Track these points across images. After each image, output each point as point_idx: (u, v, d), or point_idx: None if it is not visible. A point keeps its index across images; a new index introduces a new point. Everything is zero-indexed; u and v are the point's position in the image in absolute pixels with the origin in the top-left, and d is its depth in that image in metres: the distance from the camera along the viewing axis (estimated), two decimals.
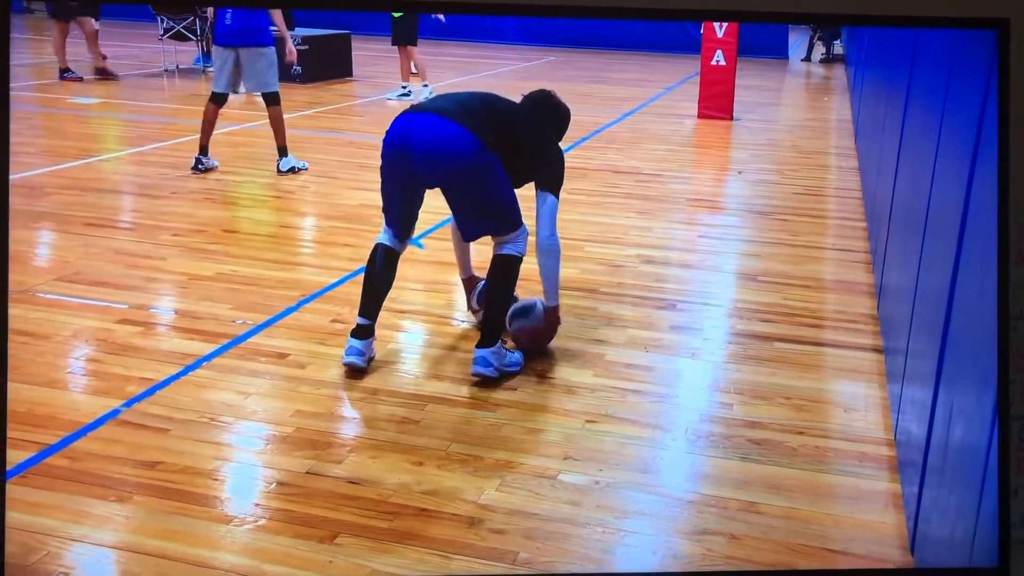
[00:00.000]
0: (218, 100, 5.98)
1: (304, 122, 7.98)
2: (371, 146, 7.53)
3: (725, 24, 8.72)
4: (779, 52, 15.65)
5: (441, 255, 4.56)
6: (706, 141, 8.26)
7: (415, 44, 9.36)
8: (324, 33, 10.95)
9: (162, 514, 2.32)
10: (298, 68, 9.90)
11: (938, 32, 2.67)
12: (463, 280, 3.69)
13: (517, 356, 3.23)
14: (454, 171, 3.05)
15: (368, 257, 3.30)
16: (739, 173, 6.93)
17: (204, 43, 10.76)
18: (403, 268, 4.33)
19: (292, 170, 6.12)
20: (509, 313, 3.31)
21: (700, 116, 8.78)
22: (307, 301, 3.79)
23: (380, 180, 3.23)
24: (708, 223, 5.50)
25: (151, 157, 6.48)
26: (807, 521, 2.37)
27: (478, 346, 3.12)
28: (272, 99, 6.01)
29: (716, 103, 8.73)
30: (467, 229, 3.28)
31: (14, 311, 3.54)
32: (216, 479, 2.51)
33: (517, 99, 3.46)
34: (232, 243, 4.67)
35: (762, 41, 14.51)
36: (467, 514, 2.35)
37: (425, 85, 9.37)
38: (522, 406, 2.95)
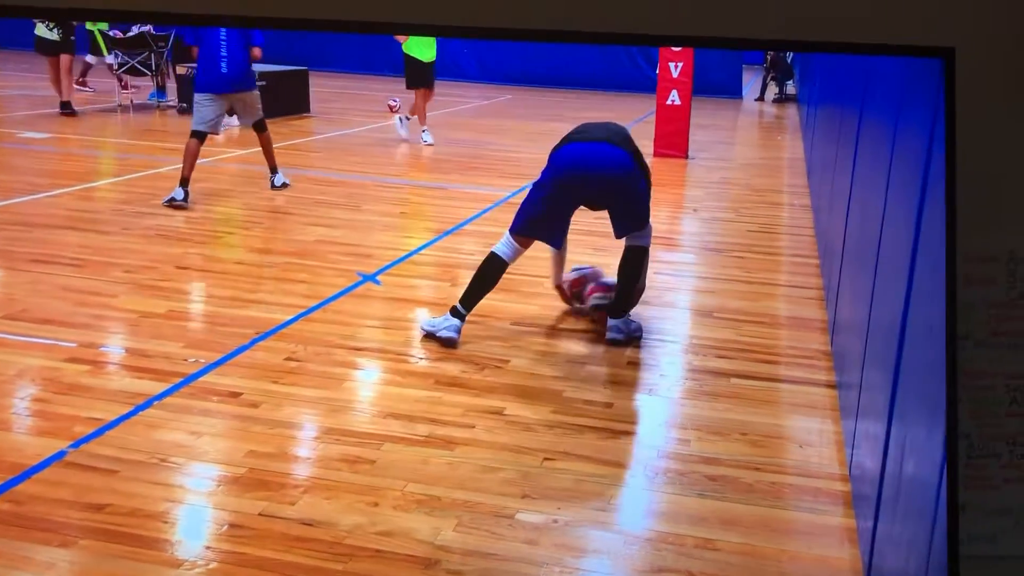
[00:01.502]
0: (203, 137, 6.16)
1: (260, 158, 7.93)
2: (328, 182, 7.53)
3: (681, 64, 8.91)
4: (733, 92, 16.02)
5: (399, 291, 4.54)
6: (662, 179, 8.37)
7: (432, 87, 9.26)
8: (282, 69, 10.94)
9: (109, 558, 2.25)
10: None
11: (887, 71, 2.75)
12: (556, 287, 4.27)
13: (639, 324, 3.92)
14: (621, 187, 3.79)
15: (484, 261, 3.88)
16: (694, 211, 7.04)
17: (159, 78, 10.66)
18: (360, 305, 4.32)
19: (285, 184, 6.61)
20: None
21: (656, 154, 8.92)
22: (261, 339, 3.74)
23: (539, 200, 3.82)
24: (664, 260, 5.55)
25: (103, 192, 6.38)
26: (763, 557, 2.38)
27: (611, 317, 3.85)
28: (263, 126, 6.53)
29: (671, 142, 8.88)
30: (620, 229, 3.91)
31: None
32: (166, 522, 2.44)
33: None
34: (185, 280, 4.60)
35: (717, 81, 14.85)
36: (424, 555, 2.31)
37: (408, 117, 9.35)
38: (479, 444, 2.93)
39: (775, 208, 7.13)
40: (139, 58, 10.45)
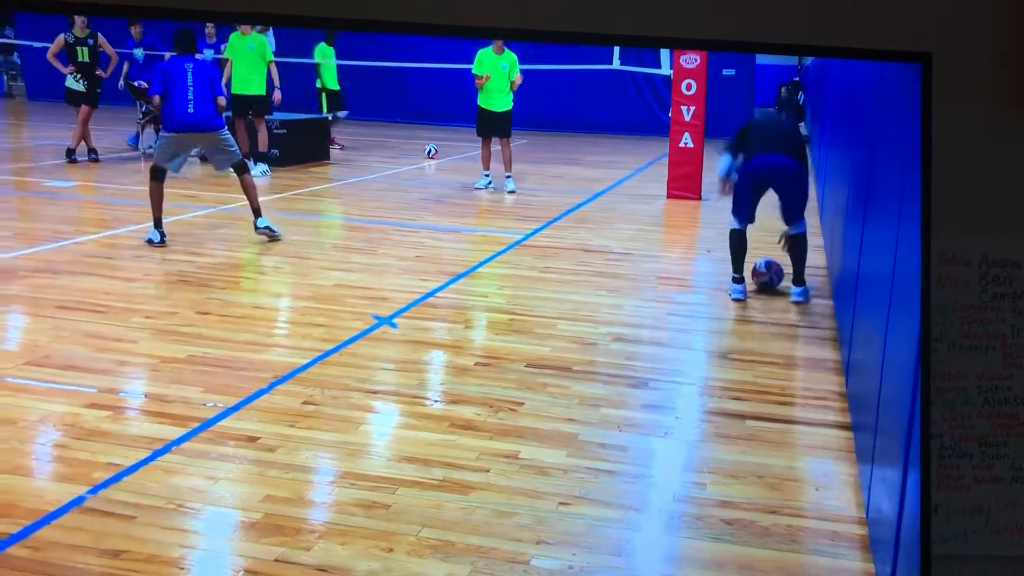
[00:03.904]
0: (161, 177, 6.30)
1: (280, 204, 8.06)
2: (346, 227, 7.63)
3: (693, 107, 9.01)
4: None
5: (414, 334, 4.58)
6: (675, 220, 8.43)
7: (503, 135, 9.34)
8: (302, 117, 11.16)
9: None
10: (275, 151, 10.09)
11: (900, 111, 2.78)
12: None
13: (810, 288, 5.33)
14: (794, 180, 5.31)
15: (730, 237, 5.42)
16: (707, 252, 7.06)
17: (147, 123, 10.80)
18: (376, 348, 4.36)
19: (269, 228, 6.42)
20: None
21: (669, 196, 8.98)
22: (279, 383, 3.78)
23: (739, 194, 5.38)
24: (678, 301, 5.58)
25: (125, 239, 6.49)
26: None
27: (795, 284, 5.30)
28: (243, 167, 6.50)
29: (684, 184, 8.95)
30: (793, 214, 5.31)
31: None
32: (182, 568, 2.45)
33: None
34: (204, 325, 4.66)
35: (729, 123, 14.95)
36: None
37: (507, 176, 9.30)
38: (494, 489, 2.93)
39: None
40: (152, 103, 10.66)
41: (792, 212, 5.32)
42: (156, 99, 6.47)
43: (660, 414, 3.64)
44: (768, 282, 5.52)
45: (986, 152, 1.74)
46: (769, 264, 5.56)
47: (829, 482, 3.07)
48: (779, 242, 5.54)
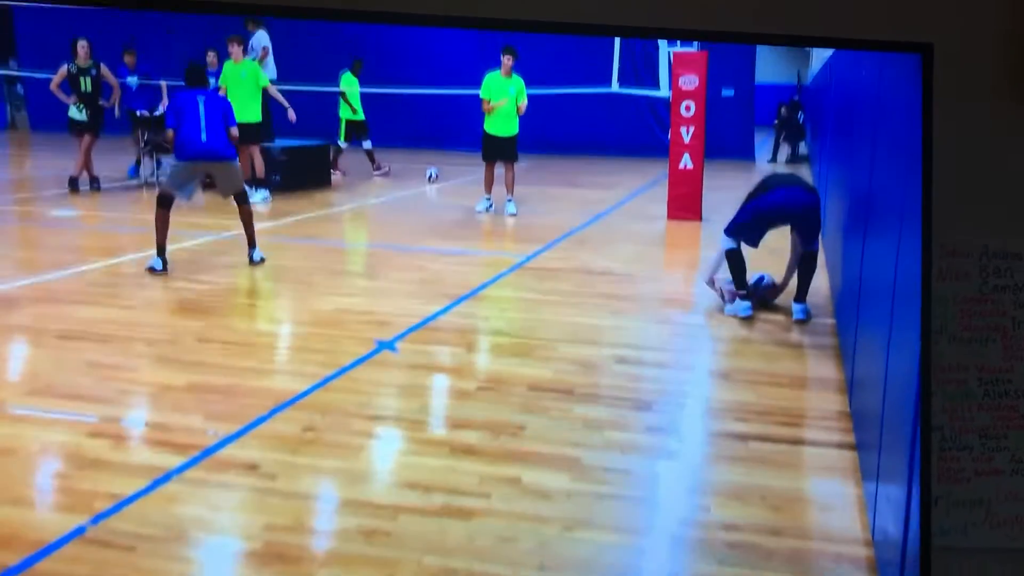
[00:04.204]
0: (168, 204, 6.32)
1: (282, 229, 8.08)
2: (347, 251, 7.64)
3: (692, 128, 9.04)
4: (746, 154, 16.16)
5: (416, 358, 4.57)
6: (676, 241, 8.44)
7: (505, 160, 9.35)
8: (303, 144, 11.22)
9: None
10: (277, 177, 10.13)
11: (899, 127, 2.79)
12: (782, 284, 5.58)
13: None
14: (812, 215, 5.40)
15: (728, 256, 5.34)
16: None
17: (145, 154, 10.81)
18: (377, 373, 4.35)
19: (262, 260, 6.49)
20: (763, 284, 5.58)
21: (670, 217, 8.99)
22: (279, 409, 3.77)
23: (748, 224, 5.36)
24: (680, 321, 5.57)
25: (127, 268, 6.51)
26: None
27: (797, 301, 5.27)
28: (244, 197, 6.57)
29: (685, 204, 8.96)
30: (809, 242, 5.35)
31: None
32: None
33: None
34: (206, 352, 4.65)
35: (729, 144, 15.01)
36: None
37: (508, 199, 9.31)
38: (496, 514, 2.91)
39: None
40: (165, 136, 10.74)
41: (810, 240, 5.38)
42: (170, 133, 6.56)
43: (663, 436, 3.62)
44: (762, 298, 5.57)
45: (986, 146, 1.73)
46: (757, 281, 5.56)
47: (834, 503, 3.05)
48: (783, 280, 5.53)
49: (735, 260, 5.39)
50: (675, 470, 3.34)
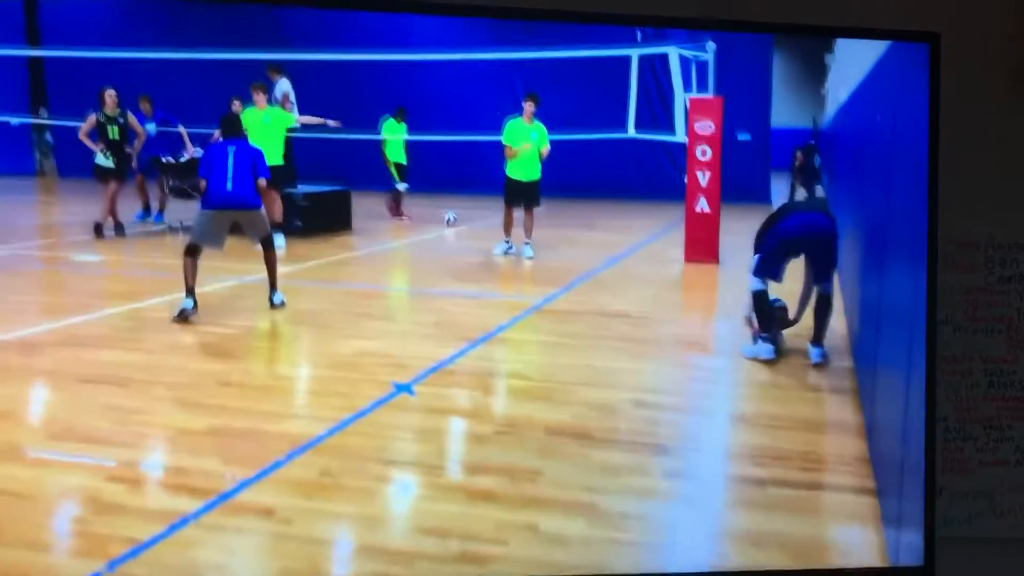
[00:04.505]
0: (196, 253, 6.34)
1: (302, 273, 8.16)
2: (366, 295, 7.69)
3: (709, 173, 9.09)
4: (762, 197, 16.18)
5: (433, 401, 4.57)
6: (693, 284, 8.43)
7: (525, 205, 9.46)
8: (325, 189, 11.37)
9: None
10: (299, 223, 10.27)
11: (913, 168, 2.80)
12: (793, 319, 5.41)
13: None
14: (831, 243, 5.22)
15: (756, 299, 5.28)
16: (727, 316, 7.03)
17: (161, 198, 10.95)
18: (394, 416, 4.35)
19: (282, 304, 6.51)
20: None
21: (687, 260, 8.99)
22: (297, 453, 3.77)
23: (769, 254, 5.25)
24: (698, 365, 5.54)
25: (149, 312, 6.58)
26: None
27: (814, 343, 5.15)
28: (269, 243, 6.67)
29: (702, 248, 8.96)
30: (824, 276, 5.21)
31: (2, 470, 3.52)
32: None
33: None
34: (225, 395, 4.68)
35: (746, 187, 15.04)
36: None
37: (526, 243, 9.36)
38: (512, 560, 2.89)
39: (806, 311, 7.10)
40: (189, 182, 10.93)
41: (825, 273, 5.29)
42: (202, 182, 6.69)
43: (681, 481, 3.59)
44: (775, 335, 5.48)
45: (993, 137, 1.74)
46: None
47: (853, 549, 3.00)
48: (795, 315, 5.48)
49: (760, 302, 5.34)
50: (693, 516, 3.31)
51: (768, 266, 5.37)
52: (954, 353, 1.66)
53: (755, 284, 5.37)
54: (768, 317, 5.32)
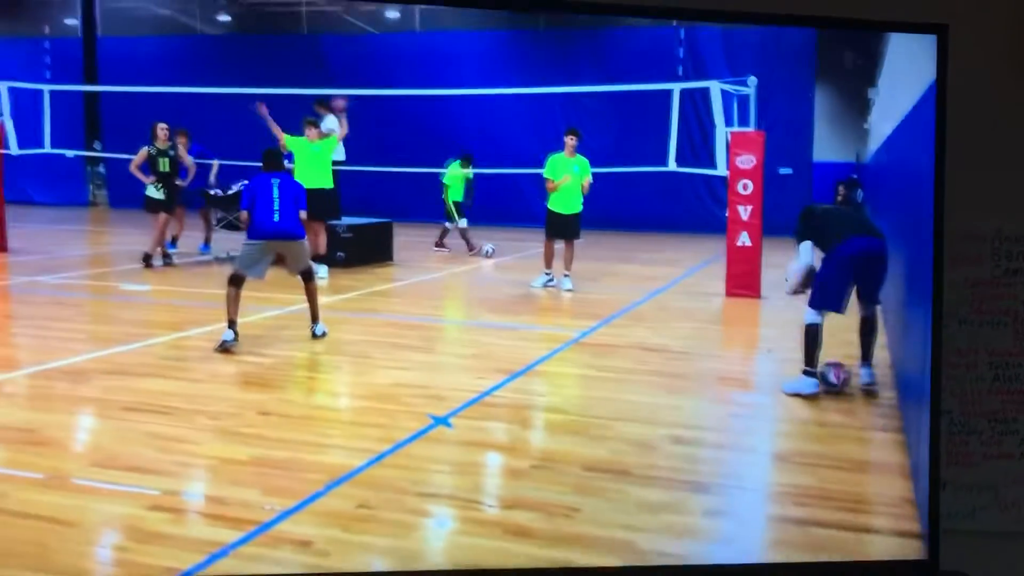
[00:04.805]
0: (239, 283, 6.49)
1: (343, 304, 8.25)
2: (406, 326, 7.75)
3: (750, 207, 9.05)
4: None
5: (470, 434, 4.58)
6: (734, 319, 8.35)
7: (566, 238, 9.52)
8: (368, 222, 11.55)
9: None
10: (342, 254, 10.43)
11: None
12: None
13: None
14: (885, 263, 5.19)
15: (807, 330, 5.20)
16: (768, 351, 6.95)
17: (209, 232, 11.17)
18: (431, 449, 4.36)
19: (324, 334, 6.64)
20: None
21: (728, 294, 8.92)
22: (335, 485, 3.80)
23: (830, 282, 5.21)
24: (739, 401, 5.47)
25: (195, 341, 6.70)
26: None
27: (864, 364, 5.23)
28: (310, 275, 6.77)
29: (743, 282, 8.89)
30: (872, 296, 5.23)
31: (47, 498, 3.60)
32: None
33: None
34: (266, 425, 4.74)
35: (787, 221, 14.90)
36: None
37: (565, 275, 9.36)
38: None
39: (849, 347, 6.98)
40: (236, 214, 11.17)
41: (875, 294, 5.23)
42: (244, 214, 6.84)
43: (722, 520, 3.54)
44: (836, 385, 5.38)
45: (1001, 130, 1.72)
46: (836, 369, 5.37)
47: None
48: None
49: (811, 336, 5.23)
50: (732, 556, 3.25)
51: (829, 296, 5.22)
52: (959, 346, 1.64)
53: (811, 317, 5.24)
54: (814, 351, 5.19)
